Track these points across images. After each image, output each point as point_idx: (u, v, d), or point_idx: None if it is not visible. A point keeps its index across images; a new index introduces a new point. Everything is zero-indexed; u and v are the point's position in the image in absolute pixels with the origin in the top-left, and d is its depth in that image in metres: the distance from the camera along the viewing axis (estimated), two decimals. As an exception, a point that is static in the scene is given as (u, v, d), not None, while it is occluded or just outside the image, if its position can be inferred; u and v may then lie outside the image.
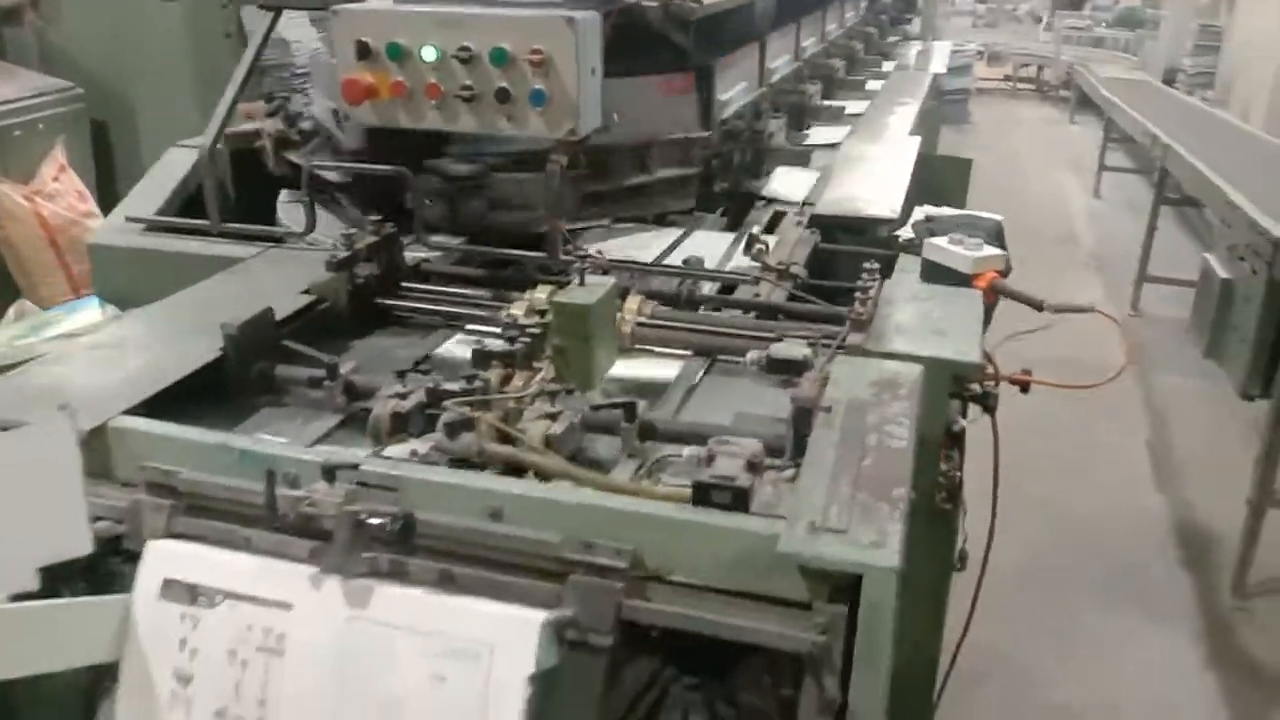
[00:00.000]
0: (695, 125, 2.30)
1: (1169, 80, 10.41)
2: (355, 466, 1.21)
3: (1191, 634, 3.11)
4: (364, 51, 1.71)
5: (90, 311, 2.11)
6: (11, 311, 2.63)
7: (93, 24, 4.80)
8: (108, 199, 4.65)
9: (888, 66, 4.54)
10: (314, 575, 1.17)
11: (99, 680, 1.33)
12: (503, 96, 1.69)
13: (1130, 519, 3.68)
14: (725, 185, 2.48)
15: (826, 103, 3.39)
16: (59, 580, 1.25)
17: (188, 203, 2.43)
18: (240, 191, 2.49)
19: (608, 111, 1.85)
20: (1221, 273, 3.39)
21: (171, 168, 2.50)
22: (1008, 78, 12.33)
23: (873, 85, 4.04)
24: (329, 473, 1.20)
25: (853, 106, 3.46)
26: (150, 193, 2.42)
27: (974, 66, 10.98)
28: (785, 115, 2.91)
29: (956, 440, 1.66)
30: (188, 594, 1.21)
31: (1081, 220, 7.36)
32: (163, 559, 1.23)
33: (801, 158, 2.71)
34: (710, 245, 2.27)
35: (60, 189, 4.26)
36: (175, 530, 1.26)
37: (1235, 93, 10.24)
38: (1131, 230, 5.61)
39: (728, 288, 2.05)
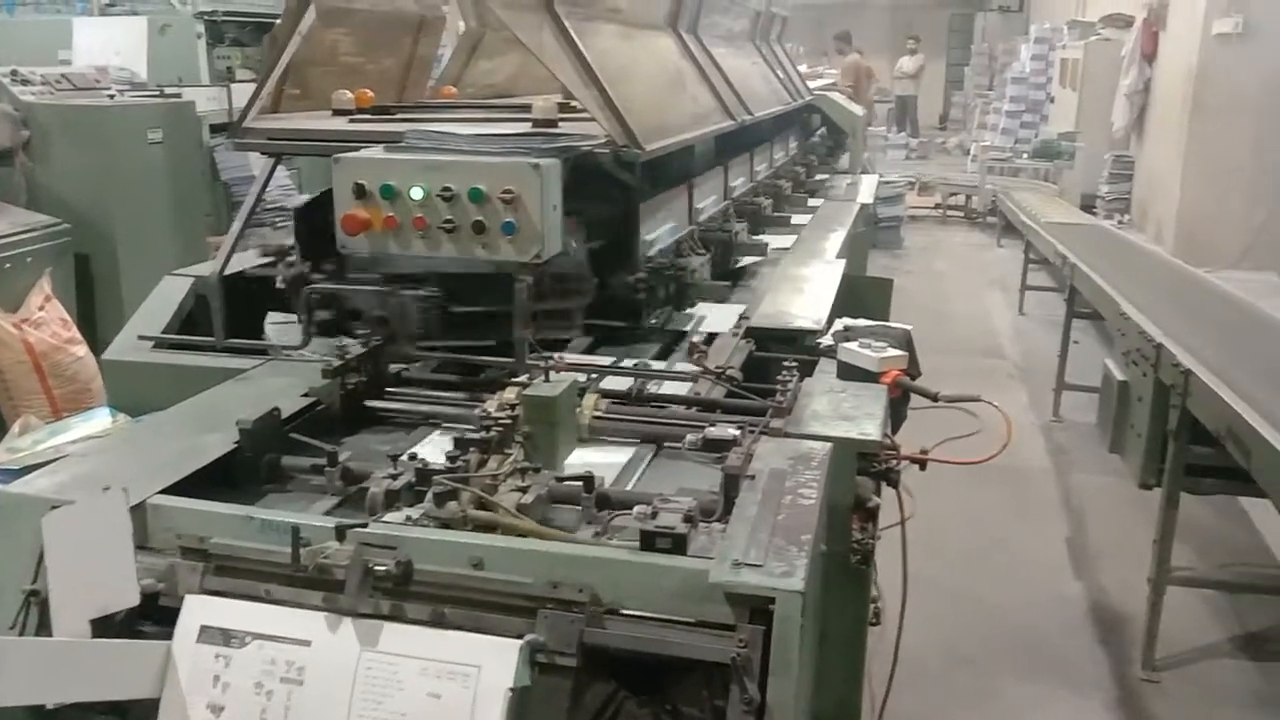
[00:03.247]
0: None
1: (1087, 206, 11.17)
2: (364, 525, 1.47)
3: (1105, 703, 3.37)
4: (360, 192, 2.04)
5: (102, 420, 2.35)
6: (16, 426, 2.85)
7: (78, 164, 5.14)
8: (88, 326, 4.91)
9: (814, 202, 4.93)
10: (330, 617, 1.43)
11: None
12: (479, 228, 2.01)
13: (1049, 604, 3.97)
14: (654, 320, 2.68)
15: (753, 238, 3.65)
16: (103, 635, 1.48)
17: (183, 324, 2.72)
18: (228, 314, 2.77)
19: (566, 240, 2.19)
20: (1119, 375, 3.77)
21: (168, 294, 2.79)
22: (938, 205, 13.08)
23: (799, 219, 4.34)
24: (340, 532, 1.46)
25: (777, 241, 3.74)
26: (152, 315, 2.70)
27: (906, 196, 11.68)
28: (712, 251, 3.15)
29: (871, 514, 1.95)
30: (221, 637, 1.45)
31: (1007, 335, 7.84)
32: (199, 609, 1.47)
33: (722, 293, 2.95)
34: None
35: (45, 317, 4.51)
36: (207, 587, 1.51)
37: (1149, 217, 11.01)
38: (1053, 344, 6.05)
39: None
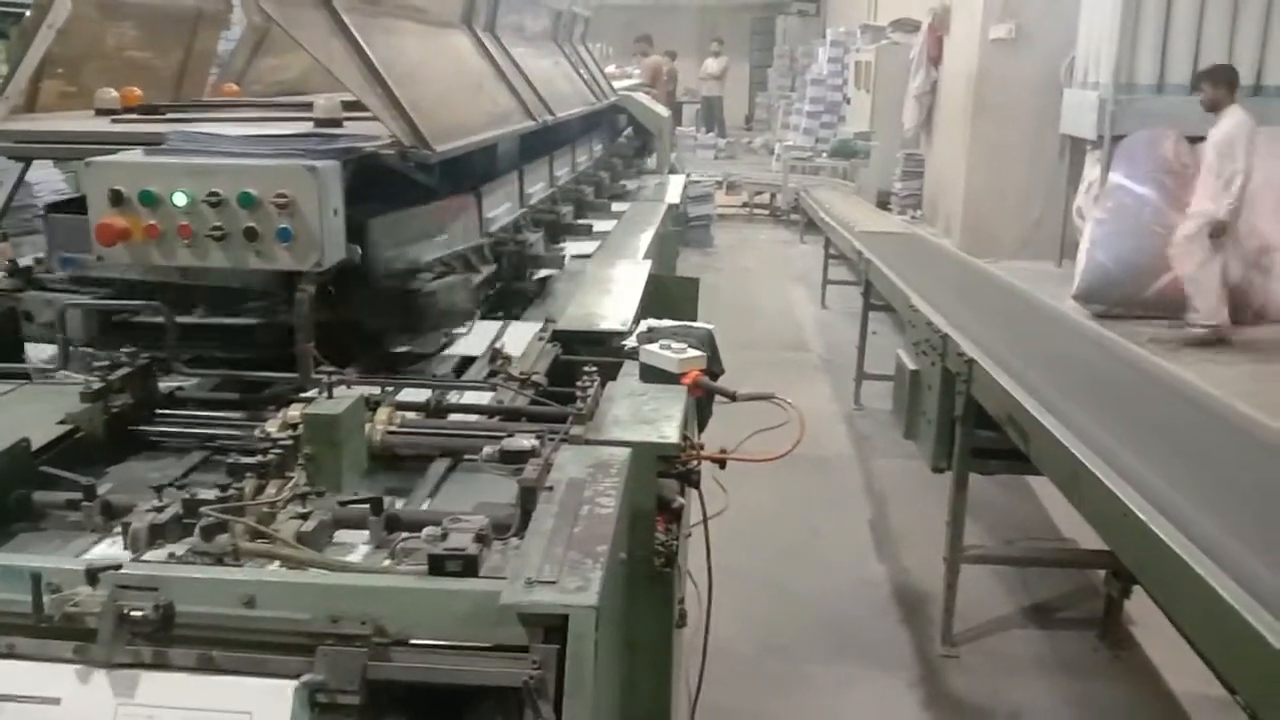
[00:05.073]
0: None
1: (883, 203, 11.73)
2: (117, 567, 1.33)
3: (908, 680, 3.52)
4: (117, 199, 1.87)
5: None
6: None
7: None
8: None
9: (619, 207, 4.81)
10: (80, 670, 1.29)
11: None
12: (251, 235, 1.88)
13: (854, 588, 4.12)
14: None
15: (551, 249, 3.49)
16: None
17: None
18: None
19: (351, 245, 2.08)
20: (910, 365, 3.95)
21: (-93, 312, 2.50)
22: (745, 204, 13.43)
23: (602, 226, 4.24)
24: (91, 576, 1.32)
25: (578, 248, 3.64)
26: (-115, 338, 2.42)
27: (715, 195, 11.94)
28: (500, 264, 2.98)
29: (676, 515, 1.94)
30: (-49, 703, 1.28)
31: (811, 328, 8.12)
32: (-77, 674, 1.30)
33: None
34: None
35: None
36: (-65, 647, 1.33)
37: (939, 212, 11.67)
38: (854, 335, 6.28)
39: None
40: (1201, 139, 7.58)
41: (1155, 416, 3.10)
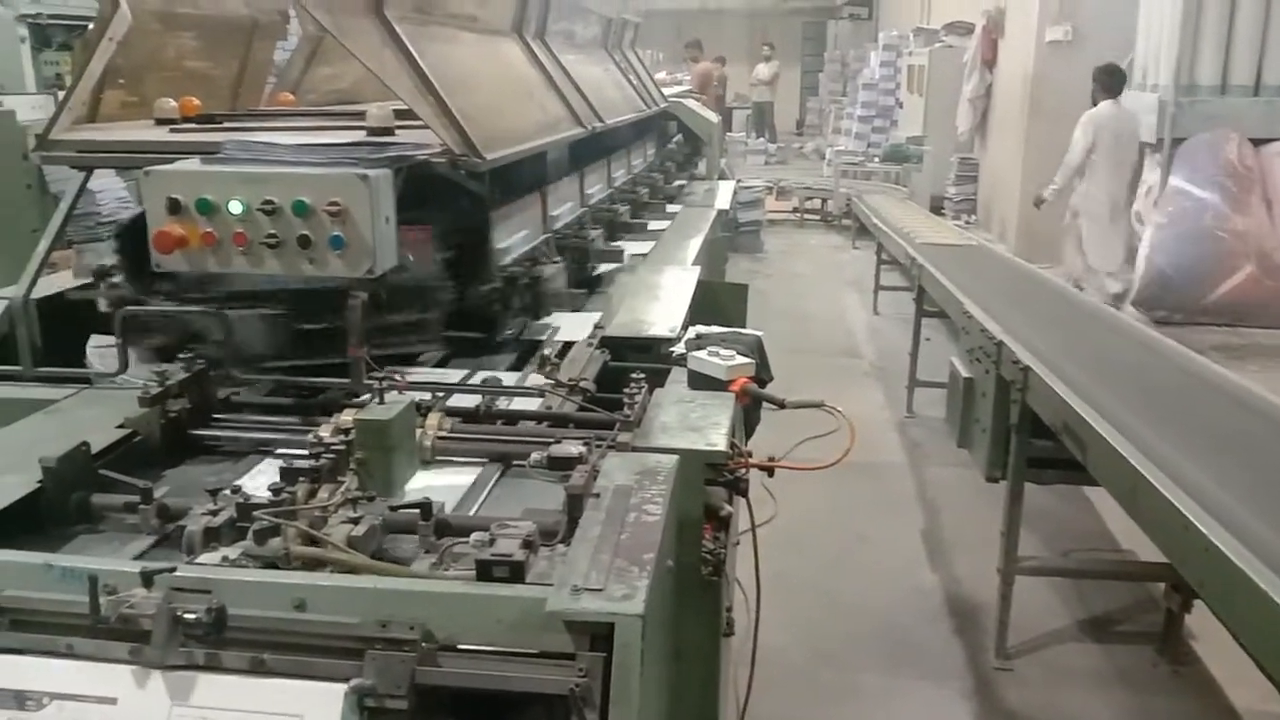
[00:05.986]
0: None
1: (936, 208, 11.58)
2: (172, 570, 1.36)
3: (961, 692, 3.46)
4: (175, 207, 1.91)
5: (-107, 460, 2.13)
6: None
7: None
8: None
9: (673, 209, 4.89)
10: (136, 671, 1.31)
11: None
12: (304, 243, 1.91)
13: (906, 597, 4.06)
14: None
15: (610, 245, 3.65)
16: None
17: (-4, 351, 2.51)
18: (48, 339, 2.58)
19: (402, 253, 2.10)
20: (964, 372, 3.89)
21: (-24, 319, 2.57)
22: (795, 210, 13.35)
23: (657, 225, 4.36)
24: (147, 578, 1.35)
25: (635, 248, 3.76)
26: (-45, 343, 2.49)
27: (765, 200, 11.89)
28: (566, 259, 3.12)
29: (724, 524, 1.93)
30: (14, 700, 1.31)
31: (863, 334, 8.05)
32: (-12, 671, 1.33)
33: (578, 301, 2.95)
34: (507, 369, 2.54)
35: None
36: (-1, 645, 1.37)
37: (994, 216, 11.50)
38: (907, 341, 6.21)
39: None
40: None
41: (1216, 426, 3.02)
